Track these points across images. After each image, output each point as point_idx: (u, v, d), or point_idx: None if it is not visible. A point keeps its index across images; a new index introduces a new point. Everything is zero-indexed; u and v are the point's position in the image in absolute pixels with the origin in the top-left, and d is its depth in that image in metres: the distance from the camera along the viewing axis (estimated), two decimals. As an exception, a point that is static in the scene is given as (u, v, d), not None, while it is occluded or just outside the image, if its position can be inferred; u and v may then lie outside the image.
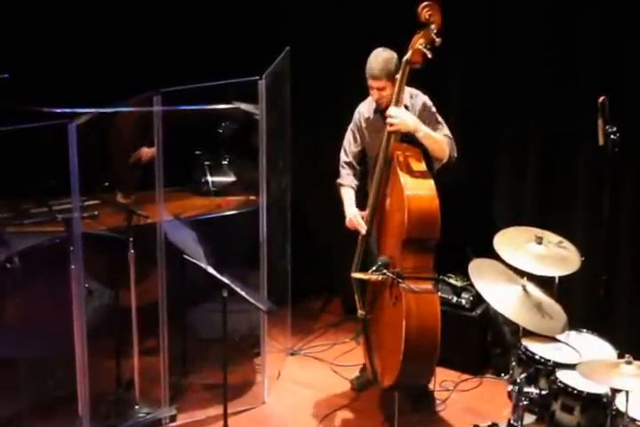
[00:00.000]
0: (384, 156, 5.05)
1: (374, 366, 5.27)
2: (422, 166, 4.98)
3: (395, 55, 5.02)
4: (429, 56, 4.86)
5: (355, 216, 5.19)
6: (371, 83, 5.06)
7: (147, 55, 6.03)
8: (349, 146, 5.35)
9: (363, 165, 5.35)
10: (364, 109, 5.31)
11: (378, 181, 5.10)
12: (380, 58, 5.03)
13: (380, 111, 5.17)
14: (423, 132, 4.98)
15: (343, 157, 5.37)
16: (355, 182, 5.33)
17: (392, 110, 4.97)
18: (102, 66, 5.94)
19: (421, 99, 5.17)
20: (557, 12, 5.50)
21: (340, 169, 5.37)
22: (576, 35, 5.47)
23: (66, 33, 5.98)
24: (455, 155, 5.15)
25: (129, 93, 4.97)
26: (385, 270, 4.91)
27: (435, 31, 4.85)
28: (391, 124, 4.97)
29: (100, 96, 4.82)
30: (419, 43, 4.86)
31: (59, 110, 4.62)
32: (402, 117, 4.96)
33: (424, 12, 4.83)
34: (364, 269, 5.20)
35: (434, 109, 5.16)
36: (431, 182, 4.92)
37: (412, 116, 5.02)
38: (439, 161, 5.10)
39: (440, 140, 5.05)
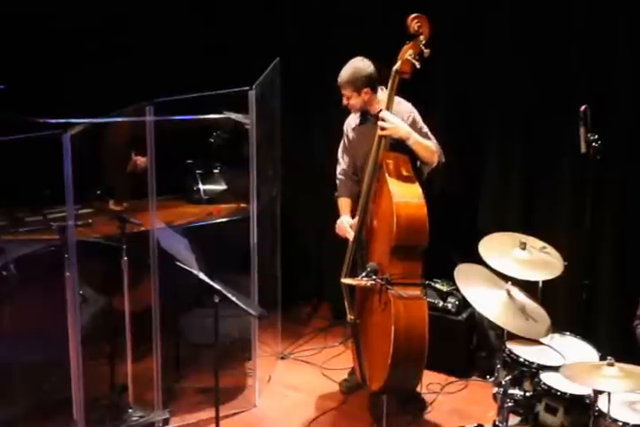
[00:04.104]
0: (373, 163, 5.10)
1: (363, 369, 5.32)
2: (411, 174, 5.04)
3: (370, 67, 5.12)
4: (418, 66, 4.94)
5: (342, 222, 5.27)
6: (341, 90, 5.18)
7: (140, 66, 6.09)
8: (343, 158, 5.45)
9: (358, 175, 5.41)
10: (351, 120, 5.40)
11: (367, 188, 5.15)
12: (350, 68, 5.14)
13: (364, 117, 5.27)
14: (413, 139, 5.05)
15: (339, 168, 5.47)
16: (352, 191, 5.40)
17: (385, 114, 5.03)
18: (96, 75, 5.99)
19: (406, 106, 5.23)
20: (544, 19, 5.57)
21: (337, 181, 5.46)
22: (562, 42, 5.54)
23: (59, 45, 6.05)
24: (443, 160, 5.22)
25: (122, 104, 5.02)
26: (374, 276, 4.96)
27: (423, 42, 4.93)
28: (383, 128, 5.03)
29: (93, 107, 4.88)
30: (408, 53, 4.94)
31: (53, 121, 4.62)
32: (395, 123, 5.03)
33: (413, 23, 4.91)
34: (352, 275, 5.26)
35: (418, 117, 5.23)
36: (419, 190, 4.97)
37: (404, 123, 5.08)
38: (429, 166, 5.17)
39: (429, 146, 5.12)
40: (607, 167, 5.25)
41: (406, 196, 4.95)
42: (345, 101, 5.22)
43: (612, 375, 4.18)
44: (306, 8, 6.41)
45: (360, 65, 5.15)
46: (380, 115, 5.05)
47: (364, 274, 5.01)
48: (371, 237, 5.24)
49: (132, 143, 5.64)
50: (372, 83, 5.14)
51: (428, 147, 5.11)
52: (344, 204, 5.43)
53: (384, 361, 4.88)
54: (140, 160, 5.65)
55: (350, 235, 5.26)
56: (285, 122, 6.02)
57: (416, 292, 4.93)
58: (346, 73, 5.15)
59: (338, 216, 5.45)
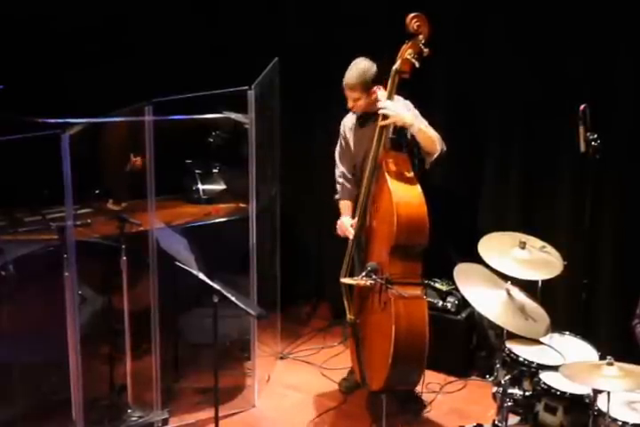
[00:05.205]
0: (373, 162, 5.09)
1: (363, 369, 5.31)
2: (410, 173, 5.03)
3: (374, 66, 5.10)
4: (417, 66, 4.94)
5: (342, 222, 5.27)
6: (346, 92, 5.14)
7: (140, 66, 6.10)
8: (340, 161, 5.44)
9: (357, 174, 5.39)
10: (348, 121, 5.39)
11: (366, 187, 5.14)
12: (357, 68, 5.10)
13: (363, 117, 5.25)
14: (417, 126, 4.99)
15: (337, 171, 5.46)
16: (352, 194, 5.38)
17: (386, 103, 4.99)
18: (96, 75, 6.00)
19: (404, 102, 5.22)
20: (544, 19, 5.56)
21: (337, 185, 5.46)
22: (562, 41, 5.53)
23: (59, 44, 6.05)
24: (445, 148, 5.15)
25: (122, 104, 5.03)
26: (374, 276, 4.94)
27: (423, 42, 4.93)
28: (385, 117, 4.99)
29: (93, 107, 4.88)
30: (407, 53, 4.94)
31: (51, 121, 4.61)
32: (397, 111, 4.99)
33: (413, 22, 4.91)
34: (352, 274, 5.26)
35: (416, 112, 5.22)
36: (419, 189, 4.96)
37: (406, 110, 5.07)
38: (431, 155, 5.10)
39: (433, 134, 5.06)
40: (607, 167, 5.25)
41: (406, 195, 4.94)
42: (351, 104, 5.17)
43: (612, 375, 4.18)
44: (308, 8, 6.41)
45: (366, 65, 5.11)
46: (380, 104, 5.00)
47: (363, 274, 4.98)
48: (370, 237, 5.23)
49: (129, 143, 5.64)
50: (379, 81, 5.11)
51: (431, 135, 5.05)
52: (345, 206, 5.43)
53: (384, 361, 4.88)
54: (140, 161, 5.66)
55: (351, 234, 5.25)
56: (285, 122, 6.02)
57: (416, 291, 4.93)
58: (355, 74, 5.10)
59: (337, 216, 5.46)
